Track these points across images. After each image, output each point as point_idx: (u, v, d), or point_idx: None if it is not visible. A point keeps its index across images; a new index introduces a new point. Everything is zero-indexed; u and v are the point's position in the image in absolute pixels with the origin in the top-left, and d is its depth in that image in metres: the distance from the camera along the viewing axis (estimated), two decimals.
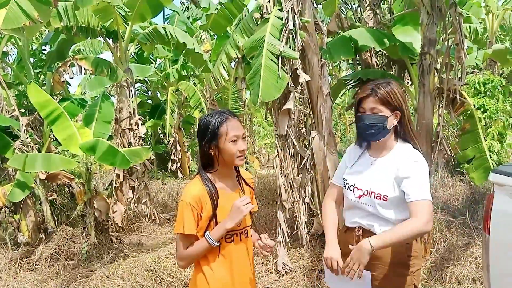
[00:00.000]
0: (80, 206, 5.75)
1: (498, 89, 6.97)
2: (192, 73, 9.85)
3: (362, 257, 1.88)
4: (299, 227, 4.81)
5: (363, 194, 2.10)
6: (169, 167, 11.12)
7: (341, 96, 9.65)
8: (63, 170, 5.58)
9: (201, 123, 1.99)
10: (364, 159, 2.18)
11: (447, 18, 4.51)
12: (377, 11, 5.69)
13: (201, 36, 11.45)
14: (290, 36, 4.30)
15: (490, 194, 2.18)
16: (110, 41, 6.72)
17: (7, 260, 5.25)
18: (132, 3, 6.06)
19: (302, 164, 4.82)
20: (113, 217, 5.90)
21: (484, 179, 4.98)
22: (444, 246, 4.89)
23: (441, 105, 4.76)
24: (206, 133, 1.94)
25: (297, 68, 4.40)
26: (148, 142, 11.74)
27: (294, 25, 4.30)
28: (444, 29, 4.58)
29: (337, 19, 5.56)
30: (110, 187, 6.53)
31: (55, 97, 6.76)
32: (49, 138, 6.29)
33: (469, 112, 5.01)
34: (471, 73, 8.50)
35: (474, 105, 5.70)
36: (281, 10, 4.45)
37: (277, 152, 4.65)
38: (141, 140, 6.77)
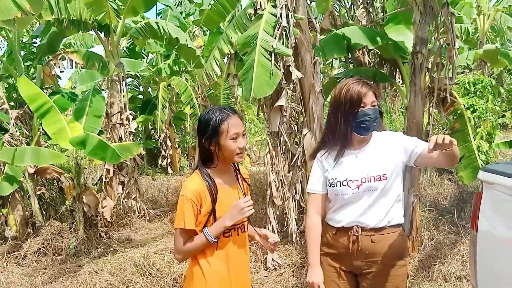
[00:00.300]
0: (69, 201, 5.71)
1: (488, 90, 7.02)
2: (184, 68, 9.79)
3: None
4: (289, 224, 4.82)
5: (361, 182, 2.11)
6: (159, 163, 11.07)
7: None
8: (52, 164, 5.54)
9: (201, 119, 1.99)
10: (346, 156, 2.19)
11: (439, 18, 4.53)
12: (370, 9, 5.72)
13: (194, 32, 11.39)
14: (284, 32, 4.30)
15: (478, 192, 2.20)
16: (102, 35, 6.66)
17: None
18: None
19: (293, 161, 4.83)
20: (102, 212, 5.86)
21: (472, 178, 5.03)
22: (431, 244, 4.93)
23: (431, 104, 4.79)
24: (207, 129, 1.94)
25: (289, 65, 4.40)
26: (139, 138, 11.67)
27: (288, 22, 4.30)
28: (436, 28, 4.61)
29: (330, 17, 5.57)
30: (99, 182, 6.49)
31: (45, 90, 6.68)
32: (39, 132, 6.23)
33: (459, 111, 5.05)
34: (462, 73, 8.57)
35: (464, 105, 5.75)
36: (274, 6, 4.44)
37: (269, 149, 4.66)
38: (131, 135, 6.73)
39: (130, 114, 6.66)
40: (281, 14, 4.29)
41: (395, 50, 5.07)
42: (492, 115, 6.91)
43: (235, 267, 2.03)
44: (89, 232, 5.63)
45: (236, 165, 2.13)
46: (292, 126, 5.12)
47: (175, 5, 10.97)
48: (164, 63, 9.72)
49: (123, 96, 6.63)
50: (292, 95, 4.68)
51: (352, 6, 6.16)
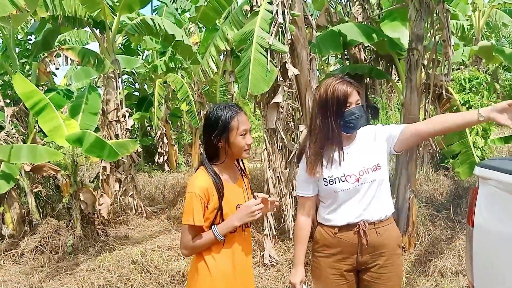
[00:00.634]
0: (65, 199, 5.70)
1: (483, 86, 7.06)
2: (180, 65, 9.77)
3: None
4: (286, 220, 4.84)
5: (360, 176, 2.12)
6: (156, 160, 11.06)
7: None
8: (49, 162, 5.51)
9: (210, 116, 2.00)
10: (337, 154, 2.18)
11: (434, 14, 4.55)
12: (366, 6, 5.74)
13: (190, 28, 11.36)
14: (280, 29, 4.30)
15: (474, 187, 2.22)
16: (97, 31, 6.63)
17: None
18: None
19: (290, 157, 4.84)
20: (99, 209, 5.86)
21: (469, 173, 5.06)
22: (427, 240, 4.96)
23: (427, 100, 4.81)
24: (216, 126, 1.96)
25: (286, 62, 4.40)
26: (135, 135, 11.66)
27: (284, 19, 4.30)
28: (432, 25, 4.62)
29: (326, 14, 5.57)
30: (96, 179, 6.48)
31: (40, 87, 6.64)
32: (35, 129, 6.20)
33: (454, 107, 5.08)
34: (457, 69, 8.59)
35: (459, 101, 5.78)
36: (270, 3, 4.43)
37: (265, 145, 4.66)
38: (128, 133, 6.72)
39: (126, 111, 6.64)
40: (277, 11, 4.29)
41: (391, 47, 5.09)
42: None
43: (240, 263, 2.06)
44: (86, 229, 5.63)
45: (240, 160, 2.15)
46: (288, 122, 5.14)
47: (170, 1, 10.91)
48: (160, 60, 9.70)
49: (119, 93, 6.61)
50: (288, 91, 4.69)
51: (348, 2, 6.18)
